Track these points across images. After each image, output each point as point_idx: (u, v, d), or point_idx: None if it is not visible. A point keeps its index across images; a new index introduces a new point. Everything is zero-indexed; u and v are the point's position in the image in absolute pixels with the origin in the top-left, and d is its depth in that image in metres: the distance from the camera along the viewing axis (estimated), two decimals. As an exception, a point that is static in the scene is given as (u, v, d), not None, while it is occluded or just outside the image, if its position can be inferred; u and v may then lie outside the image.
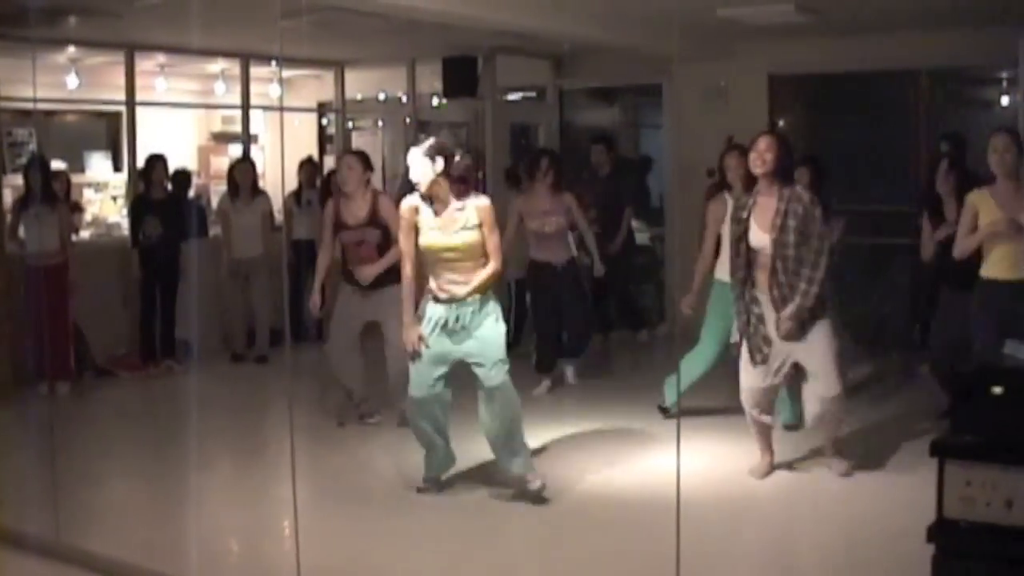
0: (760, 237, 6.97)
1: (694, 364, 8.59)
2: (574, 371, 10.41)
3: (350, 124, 15.52)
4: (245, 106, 13.69)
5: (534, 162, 10.16)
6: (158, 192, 11.36)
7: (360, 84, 15.20)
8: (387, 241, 8.45)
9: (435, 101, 14.70)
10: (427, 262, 6.88)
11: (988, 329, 6.85)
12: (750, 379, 7.19)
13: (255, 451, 8.54)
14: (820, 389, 7.05)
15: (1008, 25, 10.35)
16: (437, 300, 6.84)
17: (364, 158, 8.87)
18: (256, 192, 11.91)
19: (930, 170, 9.19)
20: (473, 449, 7.50)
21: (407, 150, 13.46)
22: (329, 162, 14.80)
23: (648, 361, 11.82)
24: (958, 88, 12.68)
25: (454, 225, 6.76)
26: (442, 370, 6.93)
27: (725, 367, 8.25)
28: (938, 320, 8.48)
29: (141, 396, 10.71)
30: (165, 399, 10.58)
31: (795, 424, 8.22)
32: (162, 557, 6.16)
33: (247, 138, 13.83)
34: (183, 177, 12.49)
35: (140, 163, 11.71)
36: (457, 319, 6.79)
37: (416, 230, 6.84)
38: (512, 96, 14.93)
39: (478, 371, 6.84)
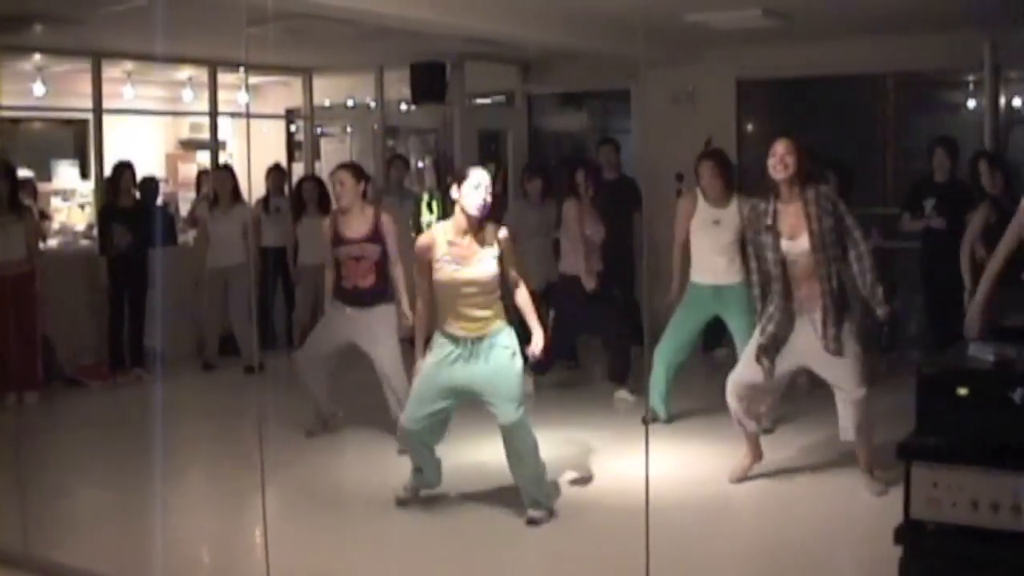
0: (794, 245, 6.81)
1: (663, 356, 8.69)
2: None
3: (318, 131, 15.50)
4: (213, 113, 13.65)
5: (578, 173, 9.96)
6: (126, 200, 11.31)
7: (328, 90, 15.18)
8: (386, 257, 8.40)
9: (403, 107, 14.69)
10: (442, 297, 6.66)
11: None
12: (747, 372, 7.10)
13: (224, 460, 8.51)
14: (848, 395, 6.92)
15: (973, 29, 10.41)
16: (452, 335, 6.64)
17: (356, 170, 8.59)
18: (236, 200, 11.84)
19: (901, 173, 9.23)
20: (449, 453, 7.48)
21: (375, 156, 13.54)
22: (298, 169, 14.79)
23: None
24: (924, 92, 12.74)
25: (474, 257, 6.57)
26: (445, 403, 6.77)
27: (705, 370, 8.30)
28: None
29: (110, 405, 10.65)
30: (134, 408, 10.53)
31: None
32: (131, 567, 6.15)
33: (215, 145, 13.79)
34: (151, 185, 12.46)
35: (108, 171, 11.66)
36: (471, 353, 6.60)
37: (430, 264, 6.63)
38: (480, 101, 14.93)
39: (491, 408, 6.62)
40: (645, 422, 8.62)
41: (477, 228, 6.56)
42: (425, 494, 7.22)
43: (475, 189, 6.49)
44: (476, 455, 8.17)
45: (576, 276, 9.68)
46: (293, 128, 15.73)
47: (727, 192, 8.55)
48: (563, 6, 9.88)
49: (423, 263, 6.64)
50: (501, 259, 6.58)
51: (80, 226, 13.42)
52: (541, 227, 11.06)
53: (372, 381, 8.45)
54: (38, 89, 13.05)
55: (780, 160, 6.79)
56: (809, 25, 10.83)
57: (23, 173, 12.14)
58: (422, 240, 6.73)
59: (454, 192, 6.58)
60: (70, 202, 13.94)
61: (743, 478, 7.35)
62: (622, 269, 11.04)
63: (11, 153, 12.47)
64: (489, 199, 6.53)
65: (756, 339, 7.03)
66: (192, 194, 13.85)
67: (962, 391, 4.01)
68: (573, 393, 10.34)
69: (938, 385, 4.10)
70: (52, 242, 12.69)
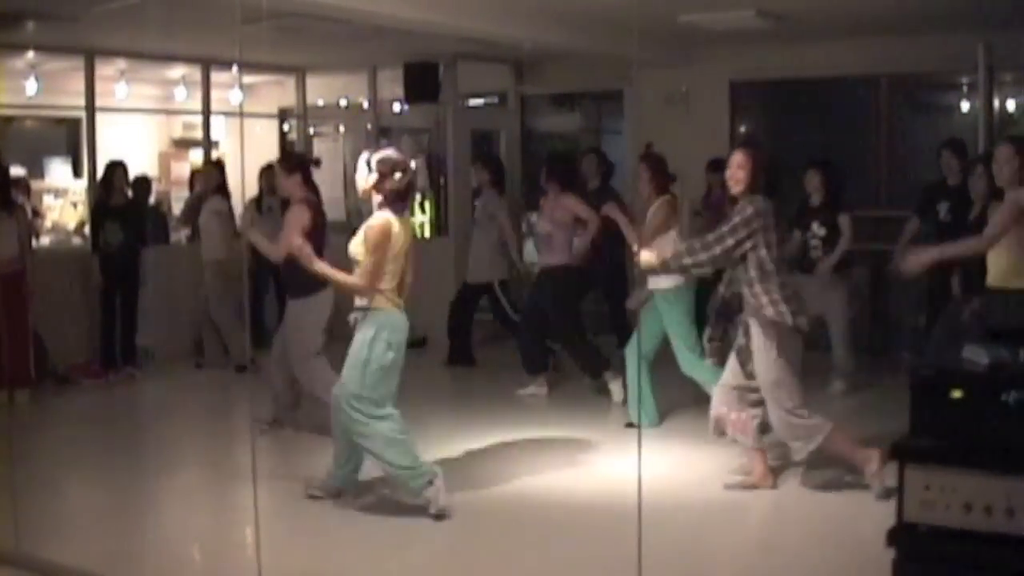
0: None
1: (628, 359, 8.80)
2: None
3: (311, 130, 15.48)
4: (206, 112, 13.63)
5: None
6: (119, 198, 11.30)
7: (321, 90, 15.17)
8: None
9: (397, 107, 14.68)
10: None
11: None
12: (726, 375, 7.19)
13: (215, 458, 8.50)
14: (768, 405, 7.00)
15: (967, 31, 10.42)
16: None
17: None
18: (222, 195, 11.88)
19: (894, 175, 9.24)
20: (441, 455, 7.48)
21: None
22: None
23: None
24: (918, 94, 12.75)
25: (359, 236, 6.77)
26: None
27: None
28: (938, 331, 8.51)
29: (102, 403, 10.64)
30: (126, 406, 10.53)
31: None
32: (122, 565, 6.14)
33: (208, 144, 13.76)
34: (144, 184, 12.43)
35: (100, 169, 11.64)
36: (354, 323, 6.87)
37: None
38: (473, 102, 14.93)
39: None
40: (632, 424, 8.63)
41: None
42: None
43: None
44: (467, 458, 8.20)
45: (564, 265, 9.89)
46: (286, 127, 15.71)
47: (655, 195, 8.64)
48: (556, 6, 9.88)
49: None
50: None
51: (72, 224, 13.40)
52: (482, 219, 11.57)
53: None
54: (31, 87, 13.01)
55: (733, 174, 6.94)
56: (802, 26, 10.84)
57: (15, 171, 12.11)
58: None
59: (372, 175, 6.78)
60: (62, 200, 13.91)
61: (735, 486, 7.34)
62: (614, 277, 11.26)
63: (3, 151, 12.43)
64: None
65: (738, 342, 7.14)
66: (185, 192, 13.82)
67: (956, 393, 4.02)
68: (560, 395, 10.32)
69: (932, 387, 4.10)
70: (44, 240, 12.67)
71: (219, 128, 14.70)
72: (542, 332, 10.32)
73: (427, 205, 14.33)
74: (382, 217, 6.71)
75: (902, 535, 4.04)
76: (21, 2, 9.31)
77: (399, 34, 10.54)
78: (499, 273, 11.68)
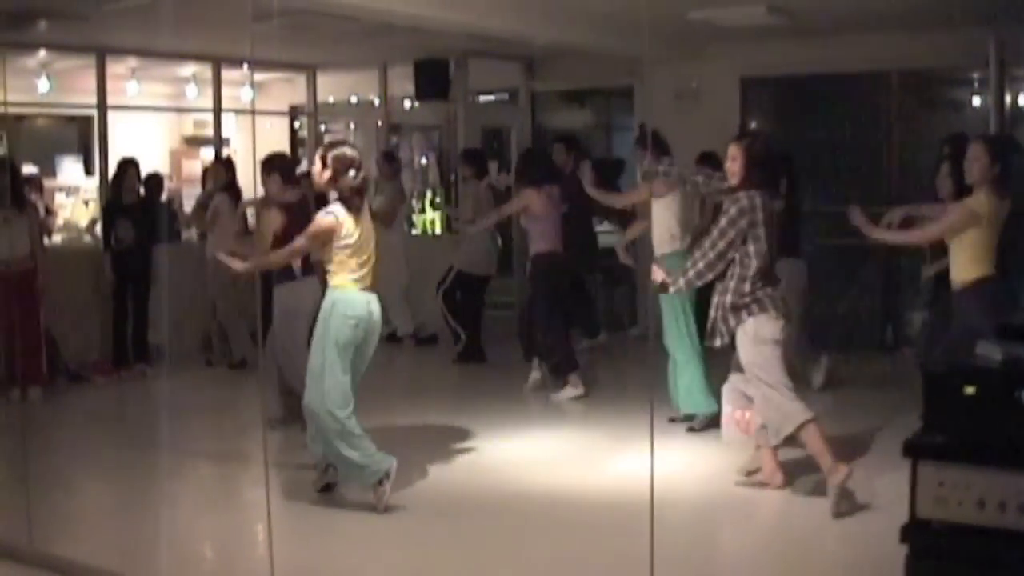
0: None
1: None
2: None
3: (322, 127, 15.50)
4: (217, 109, 13.66)
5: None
6: (130, 196, 11.32)
7: (332, 87, 15.19)
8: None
9: (407, 104, 14.69)
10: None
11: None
12: (734, 376, 7.20)
13: (228, 456, 8.51)
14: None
15: (979, 26, 10.40)
16: None
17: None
18: (231, 191, 11.90)
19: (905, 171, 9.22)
20: (450, 453, 7.49)
21: (376, 156, 13.60)
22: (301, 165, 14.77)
23: (626, 364, 11.82)
24: (929, 89, 12.72)
25: None
26: None
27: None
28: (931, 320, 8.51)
29: (113, 401, 10.67)
30: (137, 404, 10.55)
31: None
32: (135, 562, 6.14)
33: (219, 142, 13.80)
34: (156, 181, 12.44)
35: (112, 167, 11.66)
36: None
37: None
38: (484, 98, 14.94)
39: None
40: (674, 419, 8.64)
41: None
42: (432, 493, 7.24)
43: None
44: (479, 454, 8.21)
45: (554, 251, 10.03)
46: (297, 125, 15.74)
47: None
48: (567, 3, 9.89)
49: None
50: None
51: (84, 222, 13.42)
52: (465, 213, 11.81)
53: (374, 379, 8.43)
54: (43, 85, 13.06)
55: (728, 168, 6.99)
56: (813, 22, 10.83)
57: (28, 169, 12.13)
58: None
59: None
60: (74, 198, 13.94)
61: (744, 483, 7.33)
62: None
63: (16, 149, 12.46)
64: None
65: None
66: (197, 190, 13.84)
67: (969, 390, 4.01)
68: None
69: (945, 384, 4.09)
70: (56, 238, 12.69)
71: (230, 126, 14.73)
72: (559, 325, 10.31)
73: (438, 202, 14.33)
74: (332, 216, 6.84)
75: (915, 532, 4.03)
76: (33, 1, 9.33)
77: (410, 31, 10.55)
78: (494, 267, 11.77)
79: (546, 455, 8.26)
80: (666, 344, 8.65)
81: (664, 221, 8.56)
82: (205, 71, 13.70)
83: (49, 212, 12.74)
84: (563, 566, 6.13)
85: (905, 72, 12.05)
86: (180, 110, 15.46)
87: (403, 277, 12.71)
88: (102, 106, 12.43)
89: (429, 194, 15.12)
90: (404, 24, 9.94)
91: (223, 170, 11.95)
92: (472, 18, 9.78)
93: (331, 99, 15.41)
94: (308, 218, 7.22)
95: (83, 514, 7.28)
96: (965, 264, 7.06)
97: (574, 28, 10.70)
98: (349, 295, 6.88)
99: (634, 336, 12.82)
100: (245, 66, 13.38)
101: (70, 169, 14.22)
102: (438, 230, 14.35)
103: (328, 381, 6.75)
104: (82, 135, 14.31)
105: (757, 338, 6.82)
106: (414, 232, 14.24)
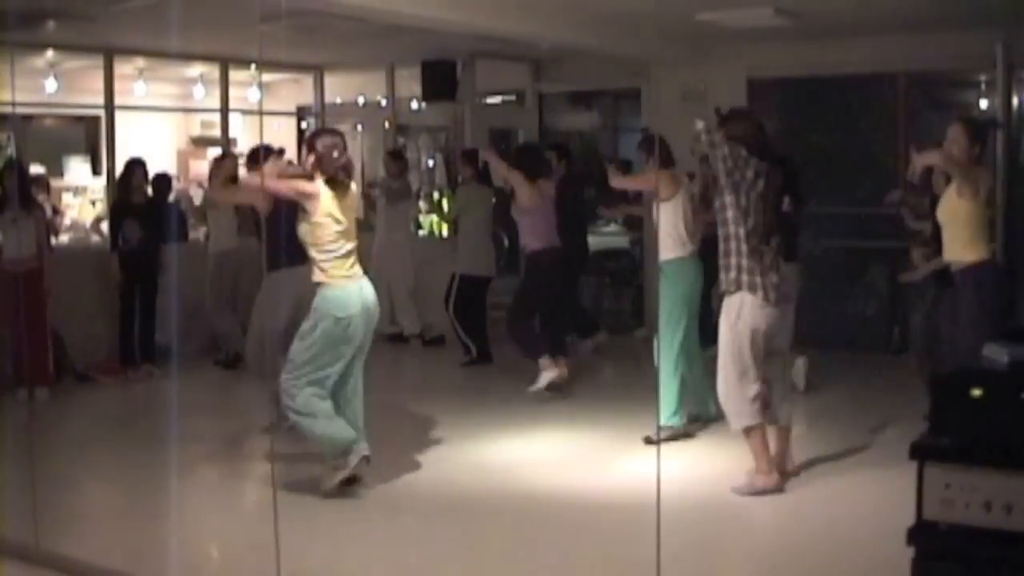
0: None
1: None
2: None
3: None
4: (224, 110, 13.68)
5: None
6: (137, 196, 11.34)
7: (339, 88, 15.20)
8: None
9: (414, 105, 14.70)
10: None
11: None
12: None
13: (234, 455, 8.52)
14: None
15: (986, 28, 10.40)
16: None
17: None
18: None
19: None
20: (456, 452, 7.49)
21: (383, 154, 13.63)
22: (308, 166, 14.78)
23: (631, 366, 11.82)
24: (936, 91, 12.72)
25: None
26: None
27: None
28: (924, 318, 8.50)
29: (121, 401, 10.68)
30: (145, 404, 10.56)
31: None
32: (142, 562, 6.16)
33: (226, 142, 13.81)
34: (164, 181, 12.45)
35: (119, 167, 11.68)
36: None
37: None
38: (491, 100, 14.94)
39: None
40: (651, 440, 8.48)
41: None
42: (438, 493, 7.25)
43: None
44: (486, 455, 8.22)
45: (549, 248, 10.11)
46: (304, 125, 15.75)
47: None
48: (574, 5, 9.88)
49: None
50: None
51: (91, 222, 13.44)
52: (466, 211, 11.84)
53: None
54: (50, 85, 13.08)
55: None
56: (820, 24, 10.82)
57: (35, 169, 12.16)
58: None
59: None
60: (81, 198, 13.96)
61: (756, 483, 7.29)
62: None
63: (23, 149, 12.48)
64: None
65: None
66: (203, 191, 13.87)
67: (976, 392, 4.01)
68: (579, 391, 10.32)
69: (952, 386, 4.09)
70: (64, 238, 12.70)
71: (237, 126, 14.74)
72: (528, 316, 10.36)
73: (444, 203, 14.33)
74: (315, 183, 7.02)
75: (922, 533, 4.03)
76: (40, 1, 9.34)
77: (417, 32, 10.55)
78: (494, 267, 11.80)
79: (552, 456, 8.27)
80: (654, 342, 8.62)
81: (671, 225, 8.52)
82: (213, 71, 13.71)
83: (56, 212, 12.75)
84: (569, 567, 6.14)
85: (912, 74, 12.04)
86: (187, 110, 15.48)
87: (410, 278, 12.73)
88: (109, 106, 12.45)
89: (436, 195, 15.12)
90: (411, 25, 9.94)
91: (231, 165, 11.92)
92: (479, 19, 9.78)
93: (338, 100, 15.42)
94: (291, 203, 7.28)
95: (90, 514, 7.29)
96: (963, 245, 7.07)
97: (581, 29, 10.70)
98: (339, 292, 7.00)
99: (640, 337, 12.81)
100: (253, 67, 13.40)
101: (77, 169, 14.24)
102: (444, 231, 14.35)
103: (306, 368, 6.97)
104: (89, 135, 14.33)
105: (739, 317, 6.86)
106: (421, 233, 14.24)
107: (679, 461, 7.71)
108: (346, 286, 7.02)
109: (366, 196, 13.36)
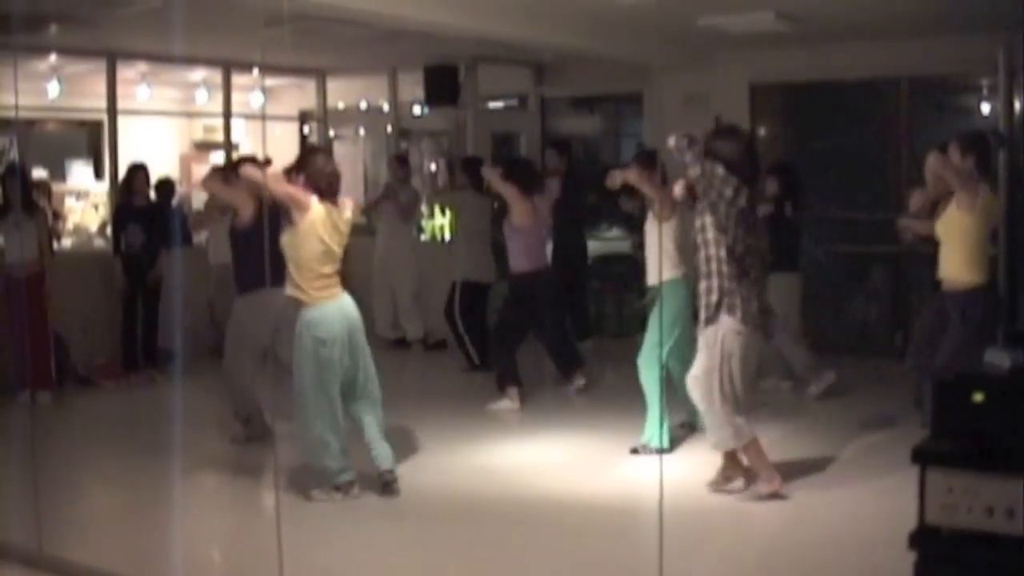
0: None
1: None
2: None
3: (332, 133, 15.52)
4: (227, 114, 13.69)
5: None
6: (140, 200, 11.35)
7: (342, 93, 15.20)
8: None
9: (417, 109, 14.71)
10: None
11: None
12: None
13: (236, 459, 8.51)
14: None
15: (988, 33, 10.39)
16: None
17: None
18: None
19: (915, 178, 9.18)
20: (459, 457, 7.48)
21: (388, 159, 13.62)
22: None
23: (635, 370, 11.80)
24: (938, 96, 12.72)
25: None
26: None
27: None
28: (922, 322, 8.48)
29: (123, 405, 10.68)
30: (147, 408, 10.56)
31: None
32: (144, 566, 6.17)
33: (229, 146, 13.82)
34: (167, 186, 12.46)
35: (122, 171, 11.69)
36: None
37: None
38: (494, 104, 14.95)
39: None
40: (636, 451, 8.33)
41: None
42: (441, 497, 7.25)
43: None
44: (485, 460, 8.23)
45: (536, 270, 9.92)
46: (306, 130, 15.76)
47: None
48: (577, 9, 9.88)
49: None
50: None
51: (94, 226, 13.46)
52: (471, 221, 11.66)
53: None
54: (53, 89, 13.09)
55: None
56: (822, 29, 10.83)
57: (38, 173, 12.17)
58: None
59: None
60: (84, 202, 13.97)
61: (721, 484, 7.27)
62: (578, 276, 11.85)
63: (26, 153, 12.50)
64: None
65: None
66: (205, 194, 13.89)
67: (978, 397, 4.01)
68: (580, 395, 10.32)
69: (954, 390, 4.10)
70: (66, 242, 12.72)
71: (240, 131, 14.77)
72: (511, 342, 10.08)
73: (447, 208, 14.33)
74: (313, 197, 6.97)
75: (924, 538, 4.04)
76: (44, 5, 9.35)
77: (419, 37, 10.56)
78: (493, 274, 11.69)
79: (553, 460, 8.27)
80: (638, 363, 8.31)
81: (672, 245, 8.29)
82: (215, 76, 13.72)
83: (58, 216, 12.77)
84: (572, 571, 6.14)
85: (915, 79, 12.04)
86: (190, 115, 15.50)
87: (413, 283, 12.72)
88: (112, 110, 12.45)
89: (436, 205, 15.11)
90: (414, 30, 9.95)
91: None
92: (482, 24, 9.78)
93: (341, 104, 15.43)
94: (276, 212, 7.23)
95: (93, 518, 7.30)
96: (958, 265, 7.01)
97: (584, 34, 10.70)
98: (318, 313, 6.97)
99: (641, 342, 12.79)
100: (255, 71, 13.42)
101: (80, 173, 14.25)
102: (447, 236, 14.35)
103: (312, 395, 7.01)
104: (92, 139, 14.35)
105: (722, 344, 6.75)
106: (423, 238, 14.25)
107: (680, 465, 7.71)
108: (325, 306, 7.00)
109: (373, 204, 13.34)
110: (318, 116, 15.08)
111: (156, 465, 8.17)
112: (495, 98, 14.90)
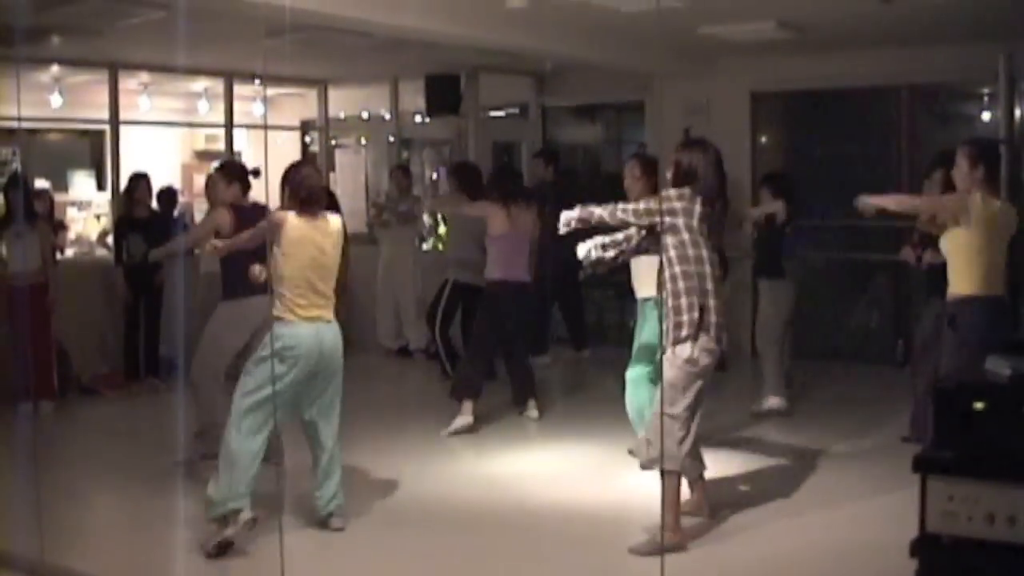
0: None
1: None
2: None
3: (333, 142, 15.54)
4: (228, 124, 13.70)
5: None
6: (142, 210, 11.38)
7: (343, 102, 15.22)
8: None
9: (418, 119, 14.72)
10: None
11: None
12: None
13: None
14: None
15: (988, 41, 10.41)
16: None
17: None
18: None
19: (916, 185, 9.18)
20: (459, 466, 7.48)
21: (390, 168, 13.59)
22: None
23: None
24: (939, 104, 12.74)
25: None
26: None
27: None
28: (921, 331, 8.47)
29: (125, 414, 10.69)
30: (149, 417, 10.55)
31: None
32: (147, 576, 6.17)
33: (230, 156, 13.83)
34: (168, 195, 12.48)
35: (124, 182, 11.71)
36: None
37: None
38: (495, 113, 14.96)
39: None
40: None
41: None
42: (438, 507, 7.26)
43: None
44: (484, 470, 8.23)
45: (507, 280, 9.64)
46: (308, 140, 15.77)
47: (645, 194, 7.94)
48: (577, 18, 9.89)
49: None
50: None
51: (96, 236, 13.47)
52: (462, 226, 11.33)
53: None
54: (55, 100, 13.11)
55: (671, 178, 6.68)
56: (823, 37, 10.84)
57: (40, 184, 12.18)
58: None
59: None
60: (86, 213, 13.98)
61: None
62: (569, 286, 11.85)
63: (28, 164, 12.52)
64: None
65: None
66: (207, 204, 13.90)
67: (978, 405, 4.02)
68: (579, 404, 10.32)
69: (954, 399, 4.10)
70: (68, 252, 12.73)
71: (241, 141, 14.78)
72: (482, 354, 9.85)
73: (440, 214, 14.34)
74: (281, 212, 6.74)
75: (925, 546, 4.04)
76: (46, 16, 9.37)
77: (421, 46, 10.58)
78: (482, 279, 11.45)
79: (553, 469, 8.29)
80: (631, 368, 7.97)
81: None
82: (217, 86, 13.74)
83: (61, 226, 12.78)
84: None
85: (915, 87, 12.06)
86: (192, 125, 15.50)
87: (416, 292, 12.74)
88: (114, 121, 12.48)
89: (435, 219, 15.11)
90: (415, 39, 9.97)
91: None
92: (483, 33, 9.80)
93: (342, 114, 15.44)
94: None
95: (95, 528, 7.30)
96: (960, 273, 6.96)
97: (584, 43, 10.72)
98: (287, 331, 6.55)
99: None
100: (257, 81, 13.45)
101: (82, 183, 14.27)
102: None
103: (248, 401, 6.56)
104: (94, 150, 14.36)
105: (687, 361, 6.40)
106: (424, 247, 14.25)
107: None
108: (300, 325, 6.59)
109: (376, 208, 13.35)
110: (320, 126, 15.10)
111: (158, 474, 8.16)
112: (496, 107, 14.92)
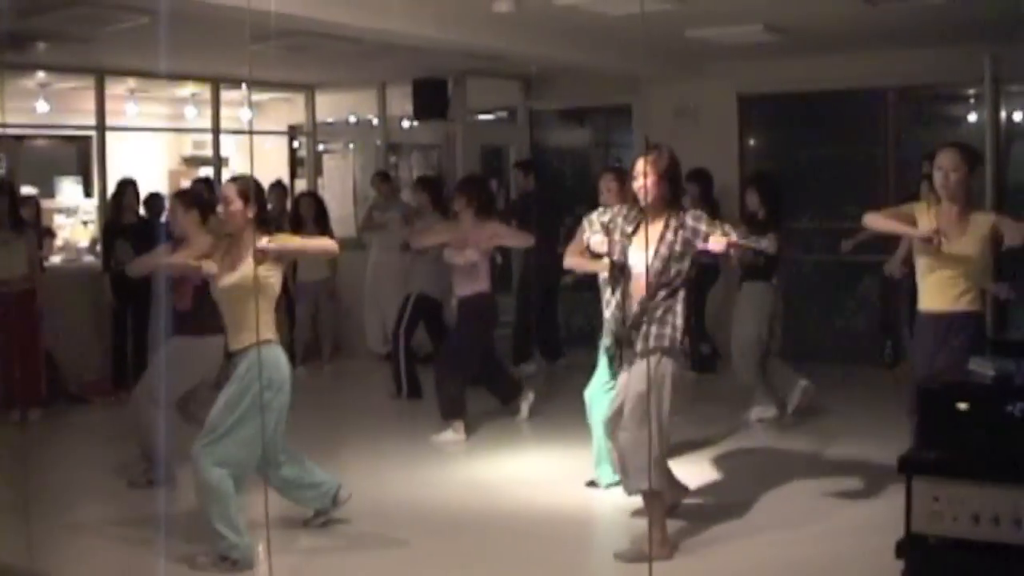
0: (638, 257, 6.35)
1: None
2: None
3: (321, 147, 15.54)
4: (216, 130, 13.70)
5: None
6: (129, 217, 11.36)
7: (330, 107, 15.22)
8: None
9: (406, 123, 14.73)
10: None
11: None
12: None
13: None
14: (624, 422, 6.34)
15: (974, 43, 10.44)
16: None
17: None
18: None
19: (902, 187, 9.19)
20: (457, 471, 7.48)
21: (372, 177, 13.54)
22: (301, 186, 14.82)
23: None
24: (925, 106, 12.77)
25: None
26: None
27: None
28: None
29: (113, 421, 10.63)
30: (138, 424, 10.52)
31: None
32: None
33: (218, 162, 13.83)
34: (156, 201, 12.45)
35: (111, 188, 11.69)
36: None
37: None
38: (483, 117, 14.98)
39: None
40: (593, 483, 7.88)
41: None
42: (428, 513, 7.25)
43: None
44: (473, 475, 8.23)
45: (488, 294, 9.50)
46: (295, 144, 15.77)
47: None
48: (565, 23, 9.90)
49: None
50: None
51: (83, 243, 13.45)
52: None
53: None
54: (42, 106, 13.09)
55: (642, 186, 6.37)
56: (810, 40, 10.86)
57: (26, 190, 12.16)
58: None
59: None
60: (73, 219, 13.97)
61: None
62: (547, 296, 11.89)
63: (14, 170, 12.49)
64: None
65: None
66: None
67: (962, 406, 4.03)
68: (569, 409, 10.30)
69: (938, 400, 4.12)
70: (55, 259, 12.71)
71: (229, 146, 14.77)
72: (466, 370, 9.63)
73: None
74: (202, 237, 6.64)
75: (911, 547, 4.06)
76: (32, 23, 9.36)
77: (408, 51, 10.57)
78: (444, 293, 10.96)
79: (541, 473, 8.28)
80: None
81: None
82: (204, 92, 13.74)
83: (48, 233, 12.76)
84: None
85: (901, 89, 12.09)
86: (179, 130, 15.50)
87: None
88: (101, 127, 12.46)
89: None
90: (402, 44, 9.96)
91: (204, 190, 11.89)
92: (470, 38, 9.80)
93: (330, 119, 15.44)
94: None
95: (83, 534, 7.28)
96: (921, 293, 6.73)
97: (572, 47, 10.73)
98: (272, 354, 6.33)
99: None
100: (244, 86, 13.43)
101: (69, 190, 14.25)
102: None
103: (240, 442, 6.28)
104: (81, 156, 14.36)
105: (660, 375, 6.22)
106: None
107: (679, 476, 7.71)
108: (274, 347, 6.36)
109: (364, 224, 13.36)
110: (307, 130, 15.09)
111: (146, 482, 8.14)
112: (484, 111, 14.94)
